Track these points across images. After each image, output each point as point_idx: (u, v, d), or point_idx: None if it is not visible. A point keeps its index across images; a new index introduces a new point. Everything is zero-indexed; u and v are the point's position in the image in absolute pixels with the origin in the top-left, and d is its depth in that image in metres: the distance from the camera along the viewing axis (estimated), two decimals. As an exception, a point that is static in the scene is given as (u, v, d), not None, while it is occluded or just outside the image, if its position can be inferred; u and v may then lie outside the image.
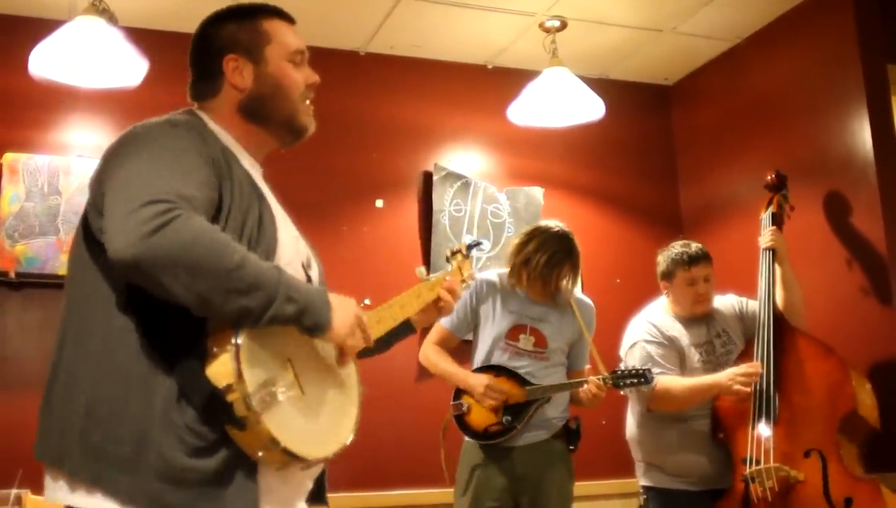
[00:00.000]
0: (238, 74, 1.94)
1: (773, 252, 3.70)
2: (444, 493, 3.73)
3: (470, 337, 3.69)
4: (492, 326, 3.56)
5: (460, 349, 3.71)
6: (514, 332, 3.54)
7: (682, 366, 3.65)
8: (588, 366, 3.53)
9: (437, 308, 2.32)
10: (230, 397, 1.59)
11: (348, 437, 1.83)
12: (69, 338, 1.73)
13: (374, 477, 4.27)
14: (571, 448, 3.56)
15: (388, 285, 4.60)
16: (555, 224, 3.62)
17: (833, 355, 3.48)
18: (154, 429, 1.61)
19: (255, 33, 1.97)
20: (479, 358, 3.60)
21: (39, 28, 3.97)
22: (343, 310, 1.76)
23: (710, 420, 3.61)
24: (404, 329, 2.27)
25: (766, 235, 3.75)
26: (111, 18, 3.88)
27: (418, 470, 4.30)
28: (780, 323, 3.60)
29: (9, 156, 4.06)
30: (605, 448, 4.55)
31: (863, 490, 3.27)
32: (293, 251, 1.91)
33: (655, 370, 3.58)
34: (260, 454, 1.64)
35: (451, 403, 3.55)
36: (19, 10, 4.21)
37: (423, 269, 2.40)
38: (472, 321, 3.63)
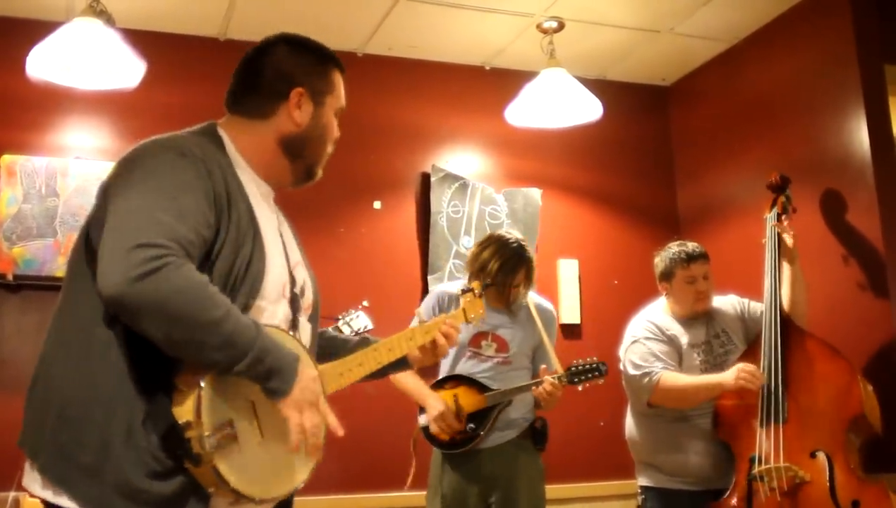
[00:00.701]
0: (298, 110, 1.98)
1: (779, 249, 3.70)
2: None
3: None
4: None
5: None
6: (476, 339, 3.64)
7: (681, 365, 3.66)
8: (543, 366, 3.58)
9: (433, 351, 2.34)
10: (188, 434, 1.66)
11: (302, 479, 1.87)
12: (54, 338, 1.80)
13: (369, 479, 4.27)
14: (539, 447, 3.64)
15: (385, 287, 4.63)
16: (508, 233, 3.73)
17: (841, 357, 3.49)
18: (116, 444, 1.66)
19: (325, 79, 2.04)
20: (444, 368, 3.69)
21: (37, 29, 3.96)
22: (306, 390, 1.77)
23: (710, 418, 3.61)
24: (397, 365, 2.29)
25: (770, 229, 3.75)
26: (109, 20, 3.88)
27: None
28: (788, 323, 3.60)
29: (6, 158, 4.06)
30: (603, 449, 4.56)
31: (870, 493, 3.27)
32: (280, 286, 1.93)
33: (657, 365, 3.58)
34: (211, 490, 1.72)
35: (418, 416, 3.63)
36: (17, 12, 4.21)
37: (419, 319, 2.41)
38: None
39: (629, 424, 3.80)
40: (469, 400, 3.55)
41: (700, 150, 5.14)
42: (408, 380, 3.60)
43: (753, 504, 3.41)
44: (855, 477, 3.31)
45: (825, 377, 3.48)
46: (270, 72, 1.99)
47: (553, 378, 3.49)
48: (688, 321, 3.73)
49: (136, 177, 1.74)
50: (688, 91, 5.27)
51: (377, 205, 4.70)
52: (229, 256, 1.78)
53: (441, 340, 2.32)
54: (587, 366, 3.53)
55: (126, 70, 3.92)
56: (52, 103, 4.19)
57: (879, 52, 4.16)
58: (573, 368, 3.53)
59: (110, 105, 4.22)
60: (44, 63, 3.85)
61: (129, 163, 1.80)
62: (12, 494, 3.40)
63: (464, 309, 2.59)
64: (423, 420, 3.59)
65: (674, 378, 3.57)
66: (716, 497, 3.55)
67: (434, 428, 3.53)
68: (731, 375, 3.48)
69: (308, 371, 1.80)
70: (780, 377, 3.48)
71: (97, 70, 3.94)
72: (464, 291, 2.65)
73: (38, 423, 1.74)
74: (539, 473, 3.63)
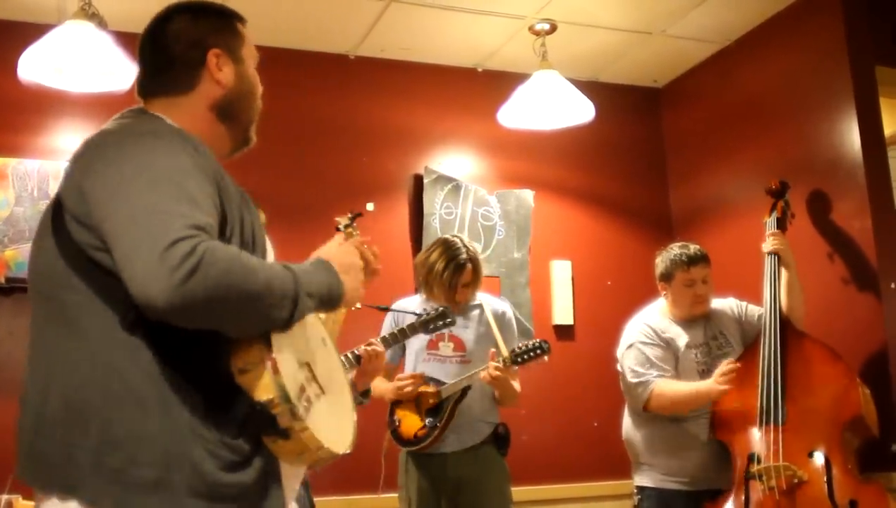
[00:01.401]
0: (220, 70, 1.87)
1: (778, 256, 3.72)
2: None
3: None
4: (414, 342, 3.74)
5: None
6: (434, 342, 3.74)
7: (678, 368, 3.67)
8: (493, 350, 3.64)
9: (368, 272, 2.16)
10: (275, 410, 1.59)
11: (355, 427, 1.88)
12: (61, 359, 1.65)
13: (364, 480, 4.27)
14: (501, 452, 3.71)
15: (379, 288, 4.60)
16: (455, 236, 3.84)
17: (840, 360, 3.52)
18: (182, 446, 1.57)
19: (234, 34, 1.93)
20: (406, 372, 3.76)
21: (29, 32, 3.95)
22: (347, 272, 1.81)
23: (707, 419, 3.62)
24: None
25: (769, 240, 3.77)
26: (101, 23, 3.87)
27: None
28: (787, 326, 3.62)
29: (-2, 161, 4.05)
30: (598, 449, 4.57)
31: (867, 493, 3.29)
32: (273, 255, 1.91)
33: (653, 372, 3.60)
34: (295, 458, 1.68)
35: (388, 421, 3.74)
36: (8, 15, 4.20)
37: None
38: (401, 346, 3.77)
39: (626, 424, 3.81)
40: (425, 396, 3.66)
41: (692, 151, 5.15)
42: (377, 386, 3.67)
43: (751, 503, 3.42)
44: (852, 478, 3.33)
45: (824, 379, 3.49)
46: (179, 44, 1.86)
47: (497, 360, 3.56)
48: (686, 323, 3.74)
49: (127, 171, 1.60)
50: (680, 92, 5.28)
51: (370, 206, 4.69)
52: (237, 230, 1.71)
53: (367, 254, 2.14)
54: (529, 346, 3.59)
55: (118, 73, 3.91)
56: (44, 106, 4.18)
57: (871, 53, 4.18)
58: (517, 349, 3.60)
59: (102, 108, 4.19)
60: (36, 65, 3.83)
61: (101, 154, 1.68)
62: (5, 497, 3.39)
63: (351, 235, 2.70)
64: (391, 420, 3.71)
65: (667, 387, 3.59)
66: (712, 497, 3.56)
67: (405, 397, 3.63)
68: (712, 383, 3.49)
69: (327, 251, 1.83)
70: (779, 378, 3.50)
71: (89, 73, 3.92)
72: (346, 226, 2.90)
73: (66, 457, 1.59)
74: (505, 475, 3.71)
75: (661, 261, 3.80)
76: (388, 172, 4.79)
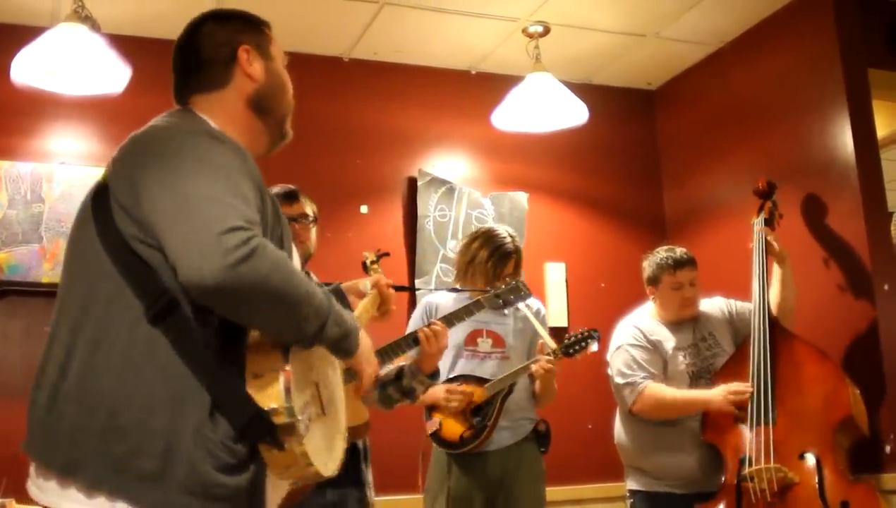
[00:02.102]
0: (251, 65, 1.96)
1: (766, 253, 3.72)
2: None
3: None
4: (451, 337, 3.50)
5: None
6: (471, 337, 3.63)
7: (666, 371, 3.67)
8: (541, 342, 3.60)
9: (382, 312, 2.45)
10: (276, 419, 1.63)
11: (340, 461, 1.89)
12: (83, 342, 1.69)
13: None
14: (542, 450, 3.61)
15: (373, 290, 4.61)
16: (497, 227, 3.77)
17: (829, 360, 3.52)
18: (184, 443, 1.61)
19: (261, 33, 2.04)
20: (443, 373, 3.57)
21: (21, 35, 3.95)
22: (365, 339, 1.90)
23: (697, 421, 3.63)
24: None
25: (758, 235, 3.77)
26: (94, 25, 3.87)
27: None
28: (776, 326, 3.62)
29: (-9, 164, 4.05)
30: (592, 452, 4.56)
31: (859, 493, 3.29)
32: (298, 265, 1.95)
33: (640, 373, 3.61)
34: (283, 471, 1.70)
35: (426, 423, 3.59)
36: (0, 17, 4.19)
37: (367, 282, 2.48)
38: None
39: (617, 427, 3.82)
40: (469, 390, 3.52)
41: (686, 154, 5.16)
42: None
43: (742, 506, 3.42)
44: (843, 478, 3.33)
45: (813, 379, 3.50)
46: (209, 45, 1.96)
47: (547, 353, 3.49)
48: (674, 325, 3.75)
49: (183, 162, 1.68)
50: (673, 95, 5.29)
51: (364, 209, 4.70)
52: (270, 237, 1.76)
53: (384, 291, 2.44)
54: (580, 336, 3.53)
55: (111, 75, 3.91)
56: (37, 109, 4.18)
57: (863, 55, 4.19)
58: (566, 340, 3.53)
59: (96, 110, 4.21)
60: (28, 68, 3.83)
61: (156, 149, 1.74)
62: (-2, 501, 3.39)
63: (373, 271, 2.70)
64: (431, 427, 3.55)
65: (658, 391, 3.59)
66: (704, 499, 3.56)
67: (451, 407, 3.48)
68: (718, 397, 3.50)
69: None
70: (768, 379, 3.50)
71: (82, 75, 3.92)
72: (372, 262, 2.85)
73: (71, 437, 1.64)
74: (541, 474, 3.61)
75: (647, 265, 3.80)
76: (381, 175, 4.79)
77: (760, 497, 3.38)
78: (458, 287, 3.54)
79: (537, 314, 3.70)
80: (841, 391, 3.44)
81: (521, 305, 3.60)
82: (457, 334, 3.55)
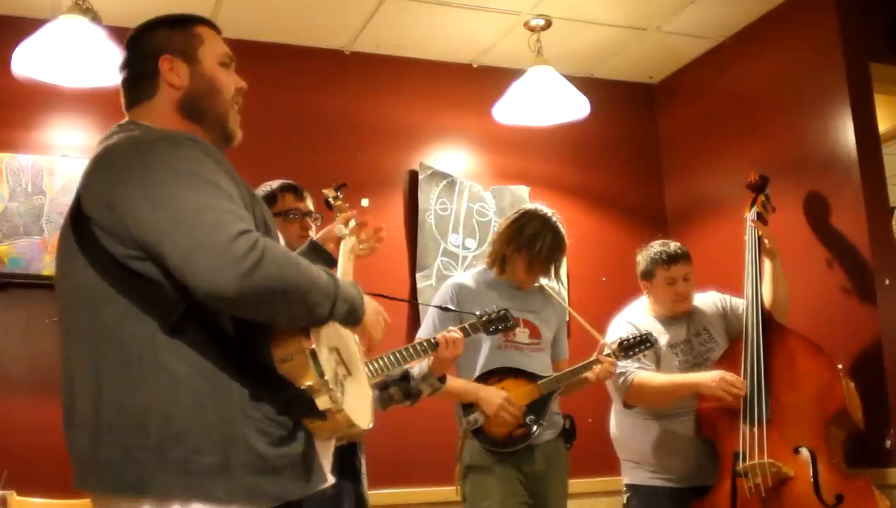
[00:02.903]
0: (174, 74, 1.98)
1: (760, 248, 3.72)
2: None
3: None
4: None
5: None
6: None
7: (659, 364, 3.67)
8: (602, 342, 3.48)
9: (369, 247, 2.58)
10: (316, 396, 1.73)
11: (373, 409, 2.05)
12: (106, 368, 1.72)
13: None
14: (568, 445, 3.52)
15: (374, 284, 4.58)
16: (541, 207, 3.57)
17: (823, 353, 3.51)
18: (236, 429, 1.69)
19: (187, 36, 2.04)
20: (479, 364, 3.44)
21: (22, 27, 3.94)
22: (369, 304, 1.96)
23: (693, 416, 3.63)
24: None
25: (750, 228, 3.77)
26: (95, 17, 3.86)
27: (398, 468, 4.31)
28: (769, 321, 3.62)
29: (-8, 157, 4.04)
30: (591, 445, 4.53)
31: (853, 487, 3.30)
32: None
33: (633, 365, 3.60)
34: (328, 434, 1.83)
35: (464, 419, 3.35)
36: (1, 9, 4.19)
37: (341, 227, 2.56)
38: (458, 324, 3.45)
39: (613, 422, 3.82)
40: (520, 391, 3.34)
41: (687, 148, 5.15)
42: (454, 383, 3.36)
43: (737, 501, 3.43)
44: (838, 472, 3.34)
45: (807, 373, 3.50)
46: (137, 60, 2.02)
47: (609, 355, 3.39)
48: (668, 320, 3.75)
49: (157, 177, 1.70)
50: (675, 89, 5.28)
51: (365, 202, 4.69)
52: (254, 221, 1.82)
53: (369, 232, 2.58)
54: (638, 339, 3.47)
55: (112, 68, 3.89)
56: (38, 101, 4.17)
57: (865, 49, 4.18)
58: (624, 342, 3.46)
59: (97, 103, 4.20)
60: (29, 61, 3.83)
61: (128, 166, 1.75)
62: (0, 493, 3.39)
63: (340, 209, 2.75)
64: (472, 419, 3.32)
65: (648, 378, 3.59)
66: (699, 493, 3.57)
67: (499, 422, 3.27)
68: (711, 381, 3.49)
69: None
70: (762, 374, 3.50)
71: (83, 68, 3.92)
72: (335, 199, 2.83)
73: (129, 458, 1.68)
74: (567, 467, 3.53)
75: (641, 260, 3.81)
76: (382, 168, 4.79)
77: (755, 491, 3.38)
78: (450, 307, 3.37)
79: (564, 297, 3.59)
80: (835, 384, 3.44)
81: (551, 292, 3.56)
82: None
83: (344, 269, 2.41)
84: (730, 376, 3.50)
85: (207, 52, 2.03)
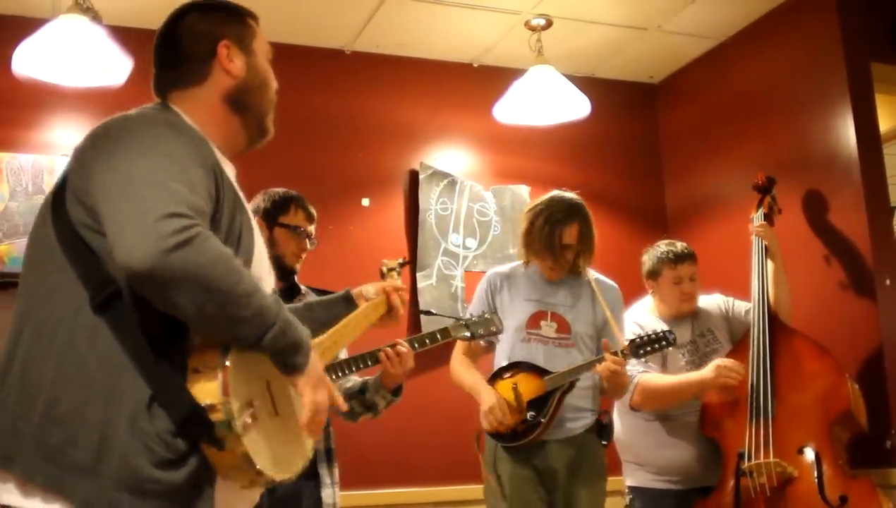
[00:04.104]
0: (231, 61, 1.91)
1: (766, 249, 3.72)
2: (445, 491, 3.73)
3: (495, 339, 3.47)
4: (511, 318, 3.37)
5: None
6: (534, 320, 3.38)
7: (665, 366, 3.67)
8: (605, 340, 3.29)
9: (388, 316, 2.42)
10: (213, 416, 1.58)
11: (306, 461, 1.81)
12: (27, 329, 1.67)
13: (362, 475, 4.27)
14: (604, 443, 3.40)
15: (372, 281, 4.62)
16: (565, 190, 3.50)
17: (828, 355, 3.51)
18: (118, 435, 1.57)
19: (244, 27, 1.98)
20: (501, 355, 3.42)
21: (22, 26, 3.94)
22: (316, 366, 1.75)
23: (696, 416, 3.62)
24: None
25: (756, 231, 3.76)
26: (95, 17, 3.86)
27: (407, 468, 4.32)
28: (775, 321, 3.62)
29: (-8, 156, 4.04)
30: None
31: (857, 488, 3.29)
32: (267, 261, 1.92)
33: (638, 368, 3.60)
34: (231, 473, 1.64)
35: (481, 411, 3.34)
36: (1, 9, 4.18)
37: (370, 288, 2.46)
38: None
39: (616, 423, 3.81)
40: (529, 386, 3.27)
41: (688, 148, 5.15)
42: (464, 375, 3.40)
43: (741, 500, 3.42)
44: (842, 473, 3.33)
45: (812, 374, 3.50)
46: (188, 39, 1.92)
47: (617, 352, 3.20)
48: (673, 320, 3.74)
49: (133, 148, 1.65)
50: (675, 89, 5.28)
51: (365, 202, 4.69)
52: (224, 227, 1.73)
53: (395, 300, 2.42)
54: (653, 337, 3.25)
55: (113, 67, 3.90)
56: (39, 100, 4.17)
57: (866, 49, 4.18)
58: (638, 339, 3.26)
59: (97, 102, 4.20)
60: (30, 60, 3.82)
61: (113, 135, 1.71)
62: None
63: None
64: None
65: (653, 380, 3.58)
66: (703, 494, 3.57)
67: (485, 425, 3.27)
68: (710, 373, 3.48)
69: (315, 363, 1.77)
70: (767, 374, 3.50)
71: (84, 67, 3.91)
72: (389, 269, 2.74)
73: (11, 427, 1.61)
74: (602, 468, 3.38)
75: (647, 259, 3.81)
76: (383, 168, 4.79)
77: (759, 491, 3.38)
78: (431, 310, 3.38)
79: (614, 299, 3.46)
80: (840, 385, 3.45)
81: (594, 287, 3.39)
82: (520, 314, 3.37)
83: (349, 323, 2.27)
84: (725, 361, 3.49)
85: (260, 46, 2.00)
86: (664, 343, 3.26)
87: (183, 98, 1.90)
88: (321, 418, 1.74)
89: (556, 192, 3.49)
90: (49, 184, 4.07)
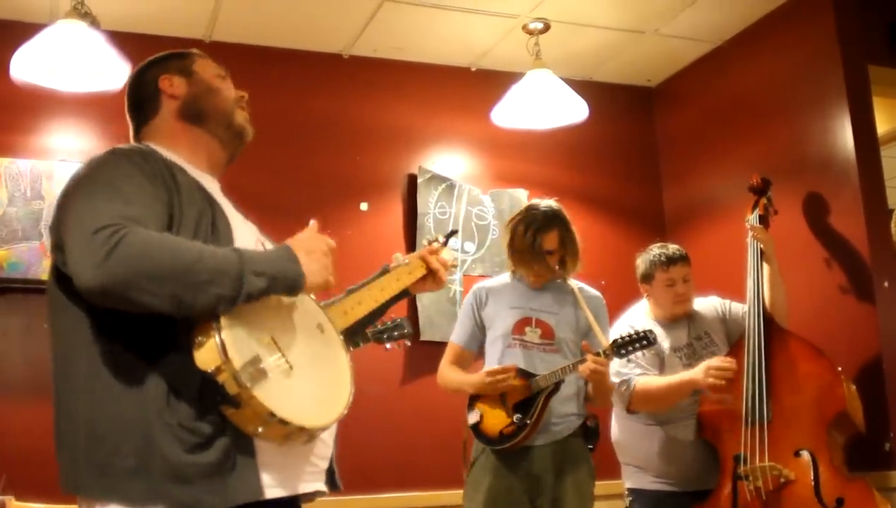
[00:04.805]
0: (173, 87, 2.08)
1: (761, 251, 3.72)
2: (432, 496, 3.73)
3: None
4: (498, 326, 3.48)
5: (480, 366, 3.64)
6: (519, 326, 3.46)
7: (662, 370, 3.67)
8: (585, 342, 3.35)
9: (432, 279, 2.43)
10: (220, 377, 1.65)
11: (343, 407, 1.87)
12: (59, 375, 1.81)
13: (361, 480, 4.27)
14: (590, 447, 3.45)
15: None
16: (543, 200, 3.59)
17: (823, 356, 3.51)
18: (153, 434, 1.68)
19: (183, 58, 2.15)
20: (490, 362, 3.49)
21: (20, 32, 3.94)
22: (309, 254, 1.83)
23: (694, 420, 3.62)
24: (398, 297, 2.37)
25: (751, 234, 3.76)
26: (93, 22, 3.86)
27: (405, 473, 4.32)
28: (770, 323, 3.61)
29: (-10, 161, 4.04)
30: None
31: (854, 490, 3.29)
32: (255, 241, 1.98)
33: (636, 371, 3.60)
34: (259, 429, 1.70)
35: (467, 415, 3.46)
36: (0, 14, 4.19)
37: (399, 255, 2.44)
38: (480, 329, 3.56)
39: (614, 426, 3.82)
40: (514, 390, 3.34)
41: (685, 151, 5.16)
42: (452, 375, 3.49)
43: (738, 504, 3.42)
44: (839, 475, 3.33)
45: (808, 376, 3.49)
46: (140, 87, 2.11)
47: (599, 353, 3.23)
48: (669, 324, 3.74)
49: (78, 191, 1.79)
50: (673, 92, 5.29)
51: (364, 206, 4.69)
52: (190, 224, 1.81)
53: (434, 263, 2.41)
54: (634, 336, 3.26)
55: (111, 72, 3.90)
56: (37, 106, 4.18)
57: (863, 52, 4.19)
58: (619, 339, 3.26)
59: (95, 107, 4.21)
60: (28, 65, 3.83)
61: (69, 191, 1.83)
62: (-2, 498, 3.39)
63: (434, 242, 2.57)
64: (472, 418, 3.42)
65: (646, 383, 3.59)
66: (701, 497, 3.56)
67: (497, 389, 3.31)
68: (700, 373, 3.48)
69: (295, 239, 1.86)
70: (763, 377, 3.50)
71: (82, 72, 3.92)
72: (430, 242, 2.58)
73: (71, 460, 1.75)
74: (589, 472, 3.42)
75: (641, 262, 3.81)
76: (381, 172, 4.79)
77: (756, 495, 3.38)
78: (367, 333, 3.40)
79: (598, 301, 3.53)
80: (835, 387, 3.44)
81: (578, 295, 3.44)
82: (505, 321, 3.45)
83: (380, 284, 2.29)
84: (714, 360, 3.49)
85: (202, 67, 2.14)
86: (645, 342, 3.27)
87: (148, 132, 2.08)
88: (326, 260, 1.86)
89: (534, 201, 3.61)
90: (47, 189, 4.08)
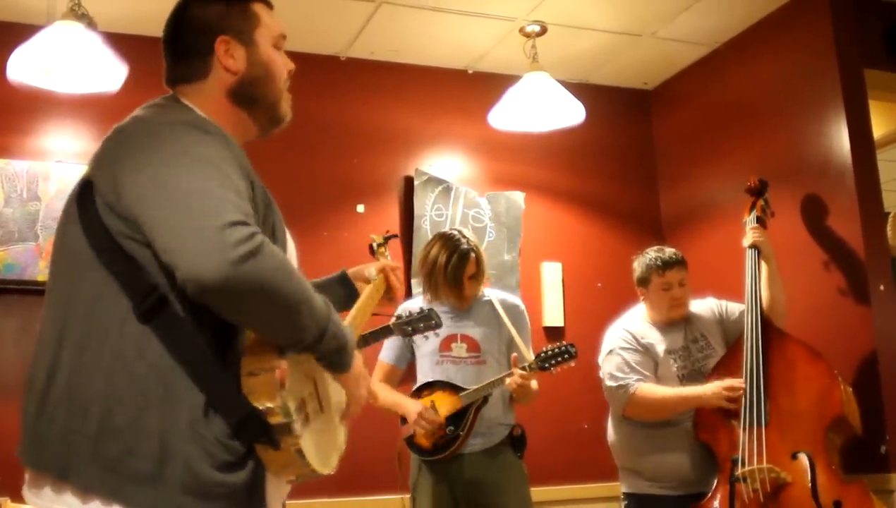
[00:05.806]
0: (230, 57, 1.87)
1: (759, 251, 3.72)
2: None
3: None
4: (426, 345, 3.62)
5: (406, 379, 3.79)
6: (446, 343, 3.62)
7: (656, 374, 3.67)
8: (514, 355, 3.51)
9: (389, 298, 2.45)
10: (271, 419, 1.60)
11: (337, 457, 1.88)
12: (70, 342, 1.65)
13: (352, 483, 4.27)
14: (518, 455, 3.61)
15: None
16: (451, 229, 3.74)
17: (821, 359, 3.51)
18: (179, 442, 1.58)
19: (245, 15, 1.92)
20: (420, 379, 3.67)
21: (17, 33, 3.94)
22: (359, 360, 1.82)
23: (690, 422, 3.62)
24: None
25: (749, 234, 3.76)
26: (90, 23, 3.86)
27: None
28: (768, 325, 3.62)
29: (-14, 162, 4.03)
30: (588, 451, 4.56)
31: (851, 493, 3.29)
32: (294, 255, 1.92)
33: (632, 376, 3.60)
34: (281, 470, 1.69)
35: (401, 428, 3.62)
36: (-3, 15, 4.19)
37: (373, 269, 2.46)
38: (409, 347, 3.70)
39: (610, 430, 3.81)
40: (445, 403, 3.53)
41: (682, 154, 5.16)
42: (385, 394, 3.60)
43: (736, 506, 3.42)
44: (836, 478, 3.33)
45: (806, 378, 3.49)
46: (188, 34, 1.89)
47: (522, 367, 3.44)
48: (665, 327, 3.74)
49: (166, 158, 1.62)
50: (670, 95, 5.29)
51: (360, 208, 4.69)
52: (263, 227, 1.71)
53: (394, 281, 2.43)
54: (556, 350, 3.46)
55: (108, 73, 3.90)
56: (34, 107, 4.17)
57: (859, 55, 4.20)
58: (542, 354, 3.47)
59: (92, 109, 4.20)
60: (25, 66, 3.82)
61: (139, 143, 1.68)
62: (-6, 500, 3.38)
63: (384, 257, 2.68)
64: (405, 431, 3.59)
65: (649, 390, 3.59)
66: (697, 500, 3.56)
67: (418, 431, 3.51)
68: (711, 392, 3.50)
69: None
70: (761, 379, 3.50)
71: (79, 73, 3.91)
72: (378, 245, 2.81)
73: (63, 440, 1.61)
74: (523, 476, 3.61)
75: (637, 266, 3.81)
76: (378, 174, 4.79)
77: (753, 497, 3.37)
78: (390, 326, 3.44)
79: (515, 310, 3.70)
80: (833, 390, 3.44)
81: (497, 307, 3.63)
82: (433, 341, 3.59)
83: (362, 308, 2.30)
84: (727, 381, 3.51)
85: (264, 34, 1.93)
86: (567, 356, 3.46)
87: (190, 91, 1.88)
88: (360, 410, 1.87)
89: (444, 232, 3.75)
90: (44, 190, 4.07)
